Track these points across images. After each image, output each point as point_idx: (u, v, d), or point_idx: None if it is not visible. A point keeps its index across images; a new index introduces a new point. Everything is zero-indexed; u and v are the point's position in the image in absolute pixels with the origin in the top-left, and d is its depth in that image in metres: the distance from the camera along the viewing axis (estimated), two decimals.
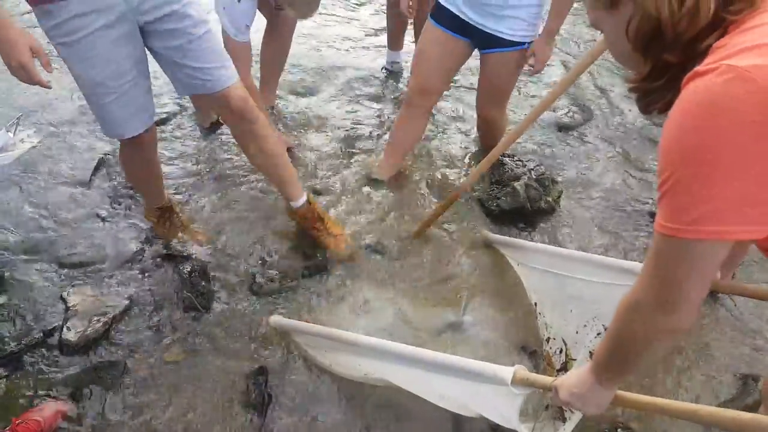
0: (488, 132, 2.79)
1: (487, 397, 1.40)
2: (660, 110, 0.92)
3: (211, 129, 2.97)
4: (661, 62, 0.85)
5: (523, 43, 2.27)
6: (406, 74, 3.50)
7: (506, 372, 1.28)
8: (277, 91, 3.17)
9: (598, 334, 1.72)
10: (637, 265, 1.72)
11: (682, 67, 0.83)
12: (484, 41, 2.29)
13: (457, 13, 2.24)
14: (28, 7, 1.64)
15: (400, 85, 3.46)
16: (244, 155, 2.36)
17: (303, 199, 2.26)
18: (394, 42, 3.50)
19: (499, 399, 1.36)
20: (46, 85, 1.65)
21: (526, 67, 2.39)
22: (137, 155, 2.07)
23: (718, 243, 0.79)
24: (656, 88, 0.89)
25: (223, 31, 2.35)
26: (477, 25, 2.23)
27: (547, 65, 2.54)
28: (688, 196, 0.77)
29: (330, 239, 2.29)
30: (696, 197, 0.76)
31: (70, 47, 1.67)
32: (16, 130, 2.37)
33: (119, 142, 2.04)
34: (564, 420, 1.67)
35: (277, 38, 2.88)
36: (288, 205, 2.30)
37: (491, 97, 2.57)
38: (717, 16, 0.79)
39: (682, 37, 0.81)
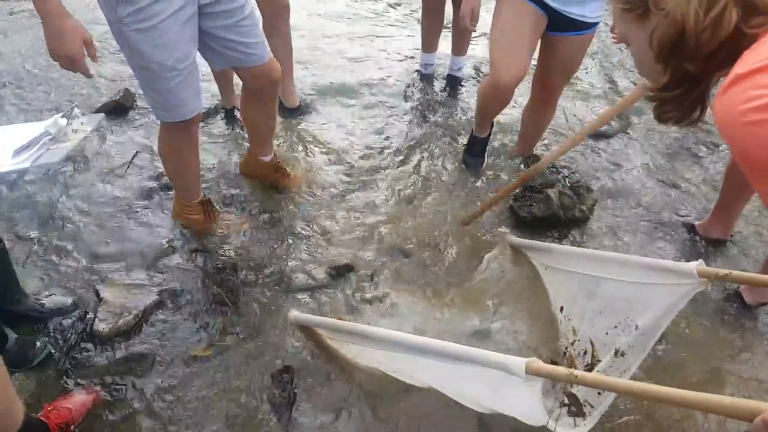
0: (546, 104, 2.64)
1: (505, 391, 1.38)
2: (675, 121, 0.97)
3: (232, 112, 3.02)
4: (680, 71, 0.89)
5: (599, 22, 2.23)
6: (437, 79, 3.50)
7: (519, 363, 1.27)
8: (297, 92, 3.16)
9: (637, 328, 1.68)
10: (670, 263, 1.68)
11: (698, 79, 0.89)
12: (561, 24, 2.22)
13: None
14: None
15: (435, 88, 3.45)
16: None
17: (272, 154, 2.57)
18: (429, 43, 3.46)
19: (517, 392, 1.34)
20: (89, 74, 1.67)
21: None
22: (186, 143, 2.11)
23: None
24: (672, 98, 0.94)
25: None
26: (559, 10, 2.16)
27: None
28: None
29: (287, 180, 2.61)
30: None
31: (146, 33, 1.70)
32: (70, 117, 2.38)
33: (166, 133, 2.07)
34: (584, 416, 1.64)
35: (276, 35, 2.82)
36: (256, 159, 2.56)
37: (561, 74, 2.48)
38: (738, 29, 0.81)
39: (703, 47, 0.84)
